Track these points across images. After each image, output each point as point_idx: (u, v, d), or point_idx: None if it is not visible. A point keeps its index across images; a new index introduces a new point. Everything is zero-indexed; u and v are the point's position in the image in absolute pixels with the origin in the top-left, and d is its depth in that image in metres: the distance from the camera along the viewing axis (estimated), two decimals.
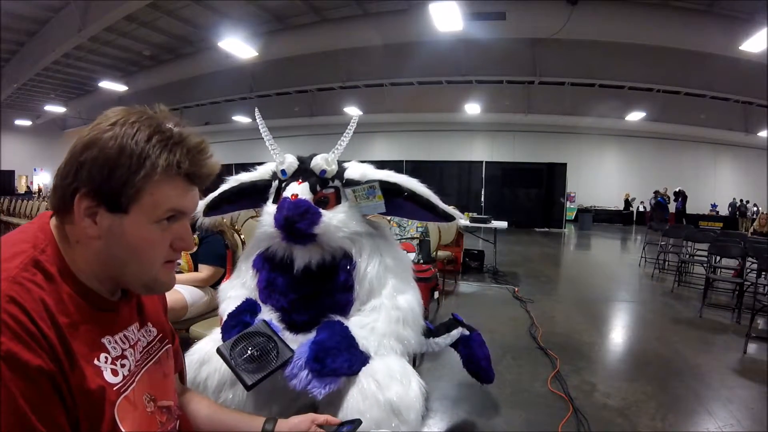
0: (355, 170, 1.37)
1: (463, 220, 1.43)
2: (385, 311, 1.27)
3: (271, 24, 9.72)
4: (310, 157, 1.37)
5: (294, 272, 1.31)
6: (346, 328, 1.20)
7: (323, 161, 1.33)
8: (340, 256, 1.31)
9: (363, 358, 1.17)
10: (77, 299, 0.57)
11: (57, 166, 0.60)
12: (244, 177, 1.46)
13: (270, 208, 1.33)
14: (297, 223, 1.22)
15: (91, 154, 0.55)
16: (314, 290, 1.31)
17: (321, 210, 1.27)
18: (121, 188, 0.56)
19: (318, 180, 1.32)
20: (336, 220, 1.28)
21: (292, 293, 1.31)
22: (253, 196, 1.45)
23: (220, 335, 1.24)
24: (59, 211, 0.59)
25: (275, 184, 1.40)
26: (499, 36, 8.97)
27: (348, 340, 1.17)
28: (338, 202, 1.34)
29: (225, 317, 1.29)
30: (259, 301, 1.35)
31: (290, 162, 1.35)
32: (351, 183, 1.35)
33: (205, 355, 1.21)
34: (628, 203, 15.07)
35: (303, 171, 1.34)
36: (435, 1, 6.34)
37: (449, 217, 1.37)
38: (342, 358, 1.12)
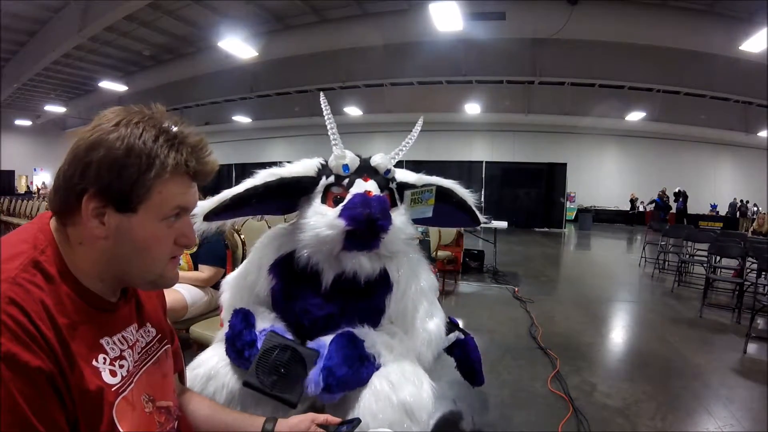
0: (404, 174, 1.34)
1: (484, 222, 1.40)
2: (416, 332, 1.25)
3: (271, 24, 9.73)
4: (368, 157, 1.31)
5: (322, 290, 1.20)
6: (360, 342, 1.14)
7: (386, 161, 1.27)
8: (373, 275, 1.23)
9: (376, 367, 1.14)
10: (76, 300, 0.58)
11: (57, 167, 0.60)
12: (284, 171, 1.26)
13: (321, 208, 1.20)
14: (380, 221, 1.13)
15: (97, 155, 0.55)
16: (342, 309, 1.21)
17: None
18: (130, 188, 0.57)
19: (383, 180, 1.26)
20: (399, 221, 1.21)
21: (318, 310, 1.21)
22: (289, 194, 1.28)
23: (228, 358, 1.16)
24: (61, 212, 0.59)
25: (323, 181, 1.26)
26: (499, 36, 8.98)
27: (360, 357, 1.11)
28: (393, 204, 1.28)
29: (224, 341, 1.19)
30: (268, 309, 1.27)
31: (352, 157, 1.27)
32: (405, 186, 1.30)
33: (211, 369, 1.15)
34: (633, 204, 15.05)
35: (366, 168, 1.27)
36: (435, 1, 6.34)
37: (477, 221, 1.38)
38: (354, 381, 1.09)
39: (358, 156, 1.29)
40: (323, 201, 1.23)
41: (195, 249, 2.20)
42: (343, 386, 1.08)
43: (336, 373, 1.06)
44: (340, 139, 1.30)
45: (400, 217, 1.25)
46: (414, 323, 1.26)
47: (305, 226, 1.20)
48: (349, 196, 1.18)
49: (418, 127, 1.42)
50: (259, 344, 1.12)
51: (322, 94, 1.41)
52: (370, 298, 1.22)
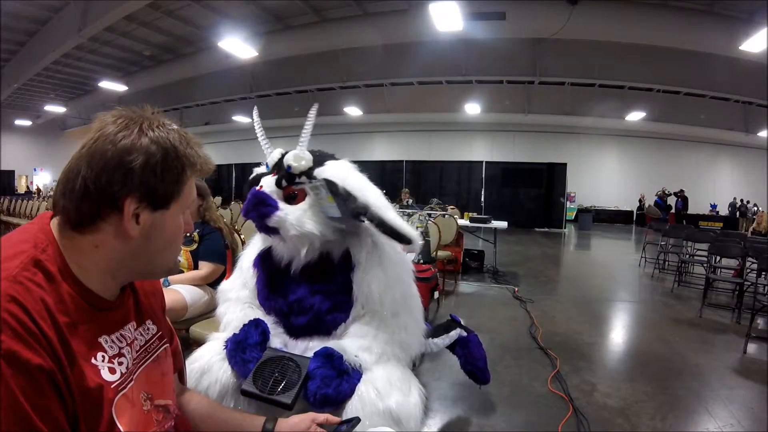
0: (331, 169, 1.27)
1: (416, 247, 1.27)
2: (386, 318, 1.26)
3: (271, 24, 9.71)
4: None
5: (291, 273, 1.30)
6: (338, 358, 1.15)
7: (291, 157, 1.29)
8: (339, 256, 1.30)
9: (357, 377, 1.16)
10: (77, 299, 0.58)
11: (58, 167, 0.60)
12: (256, 171, 1.45)
13: None
14: (250, 213, 1.26)
15: (137, 161, 0.57)
16: (312, 292, 1.29)
17: (281, 204, 1.24)
18: (171, 188, 0.61)
19: (285, 175, 1.29)
20: (292, 216, 1.23)
21: (291, 295, 1.30)
22: None
23: (222, 354, 1.22)
24: (84, 220, 0.58)
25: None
26: (499, 36, 8.95)
27: (338, 373, 1.13)
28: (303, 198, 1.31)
29: (227, 340, 1.25)
30: (259, 306, 1.35)
31: (273, 157, 1.36)
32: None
33: (206, 364, 1.20)
34: (643, 204, 15.01)
35: (279, 165, 1.33)
36: (435, 1, 6.34)
37: (405, 240, 1.23)
38: (336, 398, 1.11)
39: (283, 154, 1.36)
40: None
41: (195, 246, 2.20)
42: (327, 403, 1.10)
43: (317, 393, 1.10)
44: (268, 142, 1.42)
45: (296, 211, 1.24)
46: (384, 306, 1.26)
47: None
48: None
49: (312, 115, 1.38)
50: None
51: (255, 108, 1.54)
52: (336, 277, 1.29)
